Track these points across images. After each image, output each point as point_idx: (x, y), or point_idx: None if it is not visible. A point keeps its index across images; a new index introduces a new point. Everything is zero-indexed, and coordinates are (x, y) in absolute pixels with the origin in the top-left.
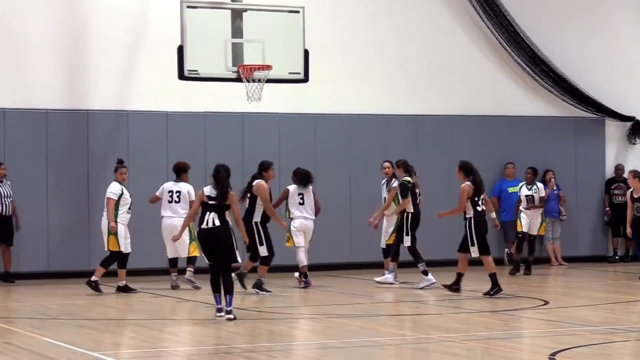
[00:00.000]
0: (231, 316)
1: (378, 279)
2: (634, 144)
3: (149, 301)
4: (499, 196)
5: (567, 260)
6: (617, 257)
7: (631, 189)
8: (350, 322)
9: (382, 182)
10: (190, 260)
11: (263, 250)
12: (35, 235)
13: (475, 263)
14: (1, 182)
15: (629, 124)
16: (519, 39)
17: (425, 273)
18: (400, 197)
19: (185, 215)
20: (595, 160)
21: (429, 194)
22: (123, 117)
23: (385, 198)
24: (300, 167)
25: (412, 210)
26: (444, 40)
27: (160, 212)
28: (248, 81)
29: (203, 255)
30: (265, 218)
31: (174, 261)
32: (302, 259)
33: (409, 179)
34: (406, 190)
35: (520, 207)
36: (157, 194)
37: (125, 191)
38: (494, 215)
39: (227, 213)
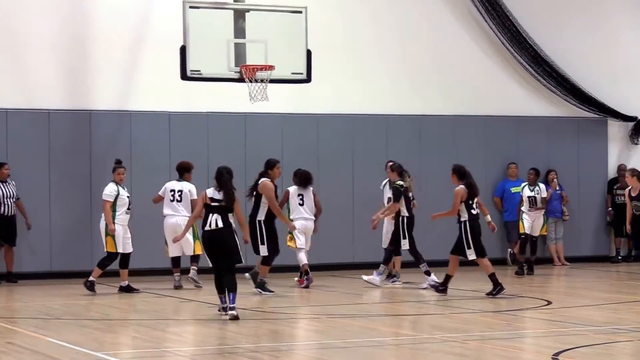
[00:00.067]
0: (234, 312)
1: (366, 277)
2: (636, 144)
3: (151, 301)
4: (501, 196)
5: (569, 260)
6: (619, 257)
7: (629, 188)
8: (353, 322)
9: (383, 184)
10: (194, 258)
11: (264, 250)
12: (38, 236)
13: (474, 263)
14: (5, 182)
15: (631, 124)
16: (521, 39)
17: (428, 273)
18: (392, 201)
19: (186, 214)
20: (598, 160)
21: (432, 193)
22: (125, 117)
23: (390, 198)
24: (301, 167)
25: (407, 214)
26: (446, 40)
27: (163, 211)
28: (250, 81)
29: (207, 258)
30: (270, 216)
31: (176, 261)
32: (303, 258)
33: (401, 183)
34: (399, 194)
35: (522, 208)
36: (159, 193)
37: (122, 192)
38: (488, 218)
39: (230, 215)
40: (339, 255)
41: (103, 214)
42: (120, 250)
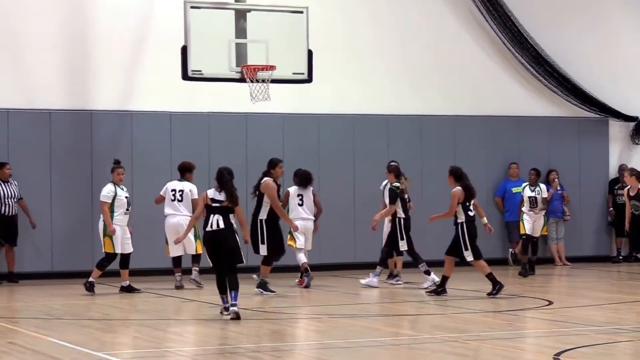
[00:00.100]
0: (235, 309)
1: (363, 281)
2: (637, 144)
3: (153, 301)
4: (502, 196)
5: (570, 261)
6: (620, 257)
7: (628, 187)
8: (354, 322)
9: (383, 184)
10: (196, 259)
11: (264, 250)
12: (39, 236)
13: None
14: (7, 182)
15: (632, 124)
16: (522, 39)
17: (428, 273)
18: (388, 203)
19: (187, 214)
20: (599, 160)
21: (433, 193)
22: (127, 117)
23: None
24: (302, 167)
25: (403, 216)
26: (447, 40)
27: (164, 211)
28: (252, 81)
29: (208, 259)
30: (272, 216)
31: (177, 261)
32: (302, 257)
33: (398, 184)
34: (395, 196)
35: (523, 209)
36: (161, 193)
37: (119, 192)
38: (485, 220)
39: (231, 215)
40: (339, 256)
41: (102, 215)
42: (118, 250)
